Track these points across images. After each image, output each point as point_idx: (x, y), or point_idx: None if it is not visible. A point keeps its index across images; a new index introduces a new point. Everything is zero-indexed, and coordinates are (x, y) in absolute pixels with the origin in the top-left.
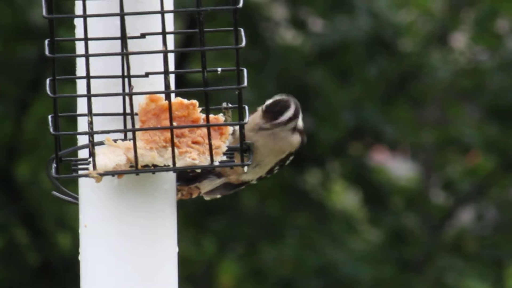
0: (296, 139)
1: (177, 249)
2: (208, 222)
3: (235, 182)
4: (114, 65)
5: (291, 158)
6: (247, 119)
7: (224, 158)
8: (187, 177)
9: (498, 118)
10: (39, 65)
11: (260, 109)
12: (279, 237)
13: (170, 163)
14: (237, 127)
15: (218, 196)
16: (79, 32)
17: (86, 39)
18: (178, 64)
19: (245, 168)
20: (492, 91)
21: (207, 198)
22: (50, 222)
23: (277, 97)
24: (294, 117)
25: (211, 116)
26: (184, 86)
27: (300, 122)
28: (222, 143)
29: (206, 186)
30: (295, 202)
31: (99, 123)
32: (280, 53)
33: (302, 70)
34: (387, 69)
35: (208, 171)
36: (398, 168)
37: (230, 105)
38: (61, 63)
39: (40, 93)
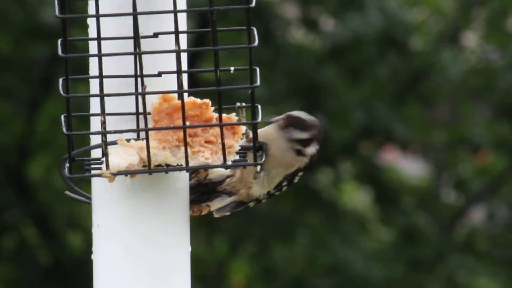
0: (304, 158)
1: (190, 249)
2: (220, 221)
3: (246, 199)
4: (127, 65)
5: (300, 174)
6: (259, 118)
7: (237, 157)
8: (199, 199)
9: (508, 117)
10: (50, 65)
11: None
12: (290, 236)
13: (183, 163)
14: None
15: (228, 213)
16: (92, 32)
17: (99, 38)
18: (189, 64)
19: (258, 167)
20: (502, 89)
21: (216, 215)
22: (61, 222)
23: (311, 117)
24: (303, 143)
25: (224, 115)
26: (196, 85)
27: (310, 151)
28: (235, 143)
29: (217, 204)
30: (306, 201)
31: (112, 123)
32: (291, 52)
33: (313, 69)
34: (398, 67)
35: (219, 191)
36: (409, 167)
37: (244, 104)
38: (74, 62)
39: (51, 92)
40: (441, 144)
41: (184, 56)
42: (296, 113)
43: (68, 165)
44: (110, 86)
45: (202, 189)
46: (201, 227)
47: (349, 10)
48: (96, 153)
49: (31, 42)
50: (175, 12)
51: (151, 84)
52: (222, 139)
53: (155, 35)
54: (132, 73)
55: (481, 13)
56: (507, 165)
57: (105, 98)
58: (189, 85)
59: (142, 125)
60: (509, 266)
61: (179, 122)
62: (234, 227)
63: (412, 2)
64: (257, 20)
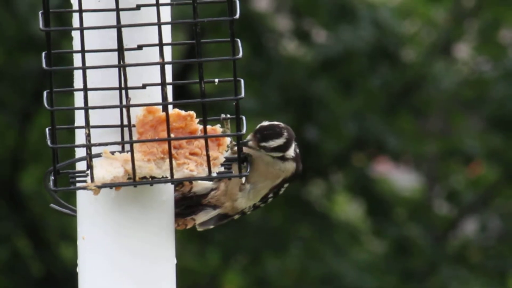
0: (290, 166)
1: (175, 261)
2: (212, 233)
3: (231, 212)
4: (111, 77)
5: (285, 185)
6: (244, 129)
7: (222, 169)
8: (184, 212)
9: (501, 128)
10: (42, 76)
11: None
12: (283, 247)
13: (168, 175)
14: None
15: (211, 226)
16: (76, 44)
17: (83, 51)
18: (182, 75)
19: (243, 179)
20: (495, 101)
21: (200, 229)
22: (53, 233)
23: (274, 122)
24: (282, 148)
25: (209, 127)
26: (185, 97)
27: (291, 152)
28: (219, 154)
29: (202, 217)
30: (298, 213)
31: (96, 135)
32: (284, 64)
33: (306, 81)
34: (390, 79)
35: (203, 204)
36: (401, 178)
37: (228, 116)
38: (62, 75)
39: (43, 104)
40: (433, 155)
41: (168, 68)
42: (262, 126)
43: (53, 178)
44: (94, 98)
45: (187, 203)
46: (193, 239)
47: (342, 22)
48: (81, 166)
49: (24, 54)
50: (159, 24)
51: (136, 97)
52: (207, 151)
53: (139, 47)
54: (117, 85)
55: (473, 25)
56: (499, 177)
57: (90, 110)
58: (177, 97)
59: (126, 138)
60: (501, 278)
61: (164, 134)
62: (226, 239)
63: (404, 14)
64: (249, 32)
